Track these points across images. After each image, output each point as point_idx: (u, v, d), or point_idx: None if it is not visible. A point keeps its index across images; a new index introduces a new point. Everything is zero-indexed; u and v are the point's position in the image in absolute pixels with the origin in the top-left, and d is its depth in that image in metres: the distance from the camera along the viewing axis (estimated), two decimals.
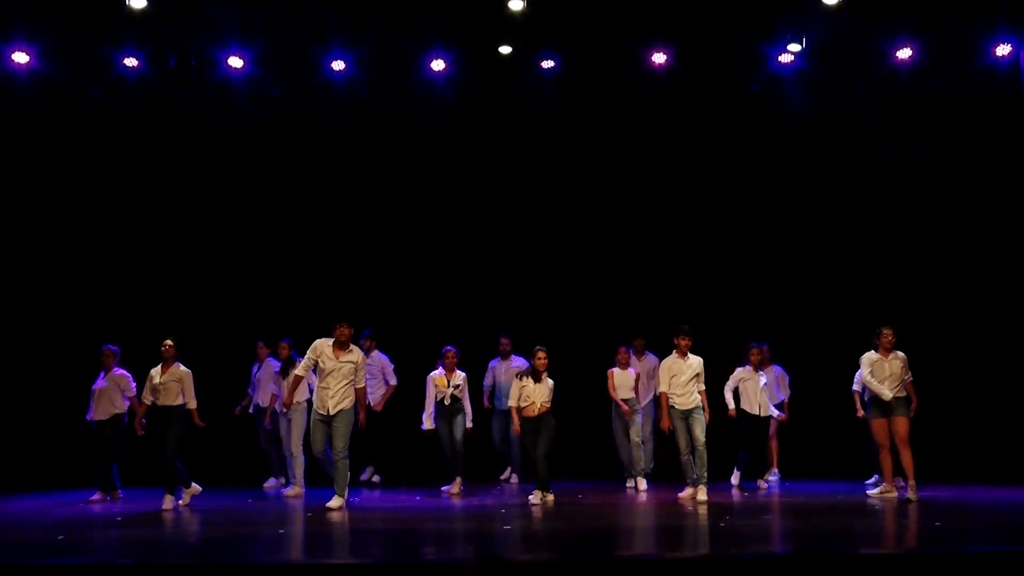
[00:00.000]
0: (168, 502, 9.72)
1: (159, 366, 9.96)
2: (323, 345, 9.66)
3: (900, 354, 9.92)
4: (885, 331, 9.90)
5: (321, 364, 9.63)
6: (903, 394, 9.88)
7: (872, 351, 9.96)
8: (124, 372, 10.56)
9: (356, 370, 9.65)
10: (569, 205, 13.14)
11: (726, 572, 6.57)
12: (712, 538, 7.77)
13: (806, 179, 12.92)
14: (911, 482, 9.63)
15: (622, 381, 10.91)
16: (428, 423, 10.71)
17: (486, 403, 11.83)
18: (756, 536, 7.88)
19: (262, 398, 11.47)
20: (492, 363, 11.96)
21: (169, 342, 9.97)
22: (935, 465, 10.82)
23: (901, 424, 9.77)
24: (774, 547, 7.43)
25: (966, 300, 12.41)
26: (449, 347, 10.72)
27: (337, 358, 9.59)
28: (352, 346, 9.72)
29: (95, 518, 9.24)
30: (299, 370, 9.95)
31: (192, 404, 9.98)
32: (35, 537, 8.06)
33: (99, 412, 10.52)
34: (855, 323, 11.04)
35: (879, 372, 9.85)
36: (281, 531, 8.46)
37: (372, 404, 11.34)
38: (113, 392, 10.50)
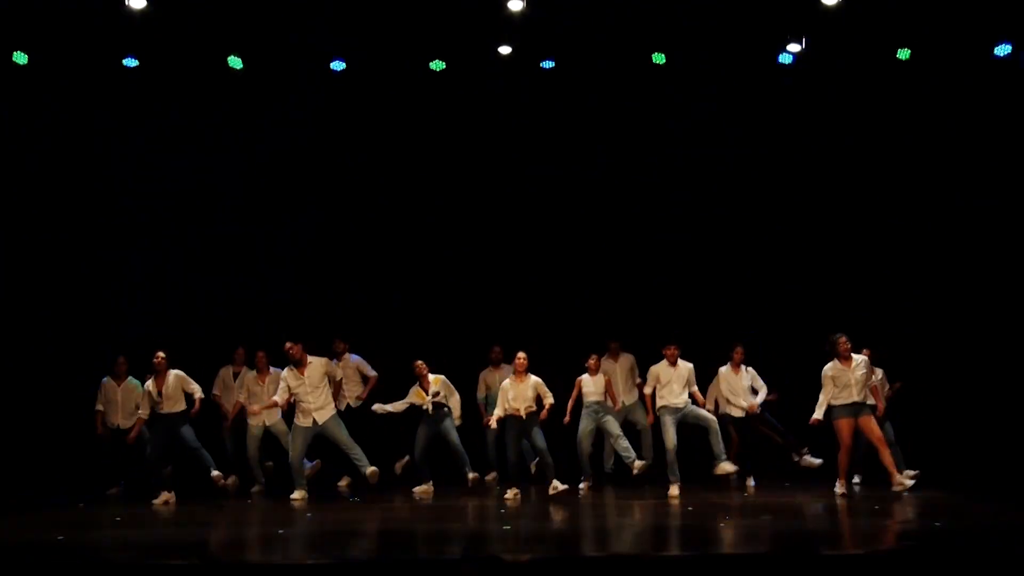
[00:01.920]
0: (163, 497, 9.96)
1: (152, 379, 10.11)
2: (286, 375, 10.18)
3: (862, 359, 9.93)
4: (840, 339, 9.86)
5: (291, 388, 10.09)
6: (870, 400, 9.97)
7: (834, 361, 9.90)
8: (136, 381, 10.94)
9: (325, 375, 10.19)
10: (568, 205, 13.12)
11: (725, 572, 6.58)
12: (711, 538, 7.78)
13: (805, 179, 12.92)
14: (896, 476, 9.74)
15: (592, 388, 10.81)
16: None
17: (485, 420, 11.26)
18: (754, 536, 7.88)
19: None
20: (483, 373, 11.89)
21: (161, 354, 10.14)
22: (935, 465, 10.82)
23: (872, 423, 9.83)
24: (772, 547, 7.44)
25: (966, 301, 12.40)
26: (417, 361, 10.76)
27: (301, 375, 10.08)
28: (310, 358, 10.18)
29: (95, 518, 9.25)
30: (277, 397, 10.29)
31: (200, 394, 10.33)
32: (35, 537, 8.07)
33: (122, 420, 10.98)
34: (853, 325, 11.03)
35: (842, 380, 9.83)
36: (281, 531, 8.47)
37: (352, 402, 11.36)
38: (135, 398, 10.80)
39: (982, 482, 10.60)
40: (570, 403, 10.77)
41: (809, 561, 6.66)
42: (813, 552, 7.03)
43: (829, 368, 9.91)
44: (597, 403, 10.80)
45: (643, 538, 8.18)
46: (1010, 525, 8.04)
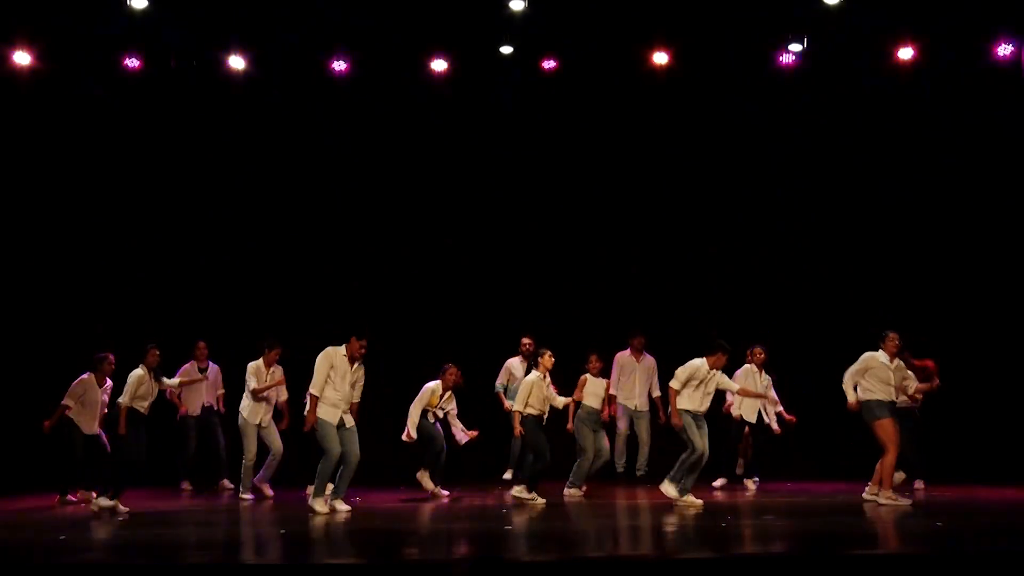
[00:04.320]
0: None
1: (143, 372, 9.85)
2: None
3: (900, 363, 9.68)
4: (891, 335, 9.57)
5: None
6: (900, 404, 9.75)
7: (881, 352, 9.61)
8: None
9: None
10: (568, 205, 13.11)
11: (726, 572, 6.58)
12: (713, 538, 7.78)
13: (806, 179, 12.92)
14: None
15: (593, 389, 10.26)
16: (411, 433, 10.21)
17: (506, 405, 11.04)
18: (756, 536, 7.88)
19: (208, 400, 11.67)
20: (511, 361, 11.54)
21: (156, 351, 10.00)
22: (936, 466, 10.82)
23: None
24: (774, 547, 7.44)
25: (967, 301, 12.39)
26: (451, 365, 10.31)
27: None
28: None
29: (95, 518, 9.24)
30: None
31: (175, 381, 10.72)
32: (35, 537, 8.06)
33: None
34: (855, 325, 11.05)
35: (882, 375, 9.49)
36: (282, 531, 8.47)
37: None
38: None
39: (983, 482, 10.62)
40: (571, 403, 10.20)
41: (810, 561, 6.66)
42: (815, 553, 7.04)
43: (875, 355, 9.54)
44: (597, 410, 10.25)
45: (644, 539, 8.18)
46: (1010, 524, 8.06)
